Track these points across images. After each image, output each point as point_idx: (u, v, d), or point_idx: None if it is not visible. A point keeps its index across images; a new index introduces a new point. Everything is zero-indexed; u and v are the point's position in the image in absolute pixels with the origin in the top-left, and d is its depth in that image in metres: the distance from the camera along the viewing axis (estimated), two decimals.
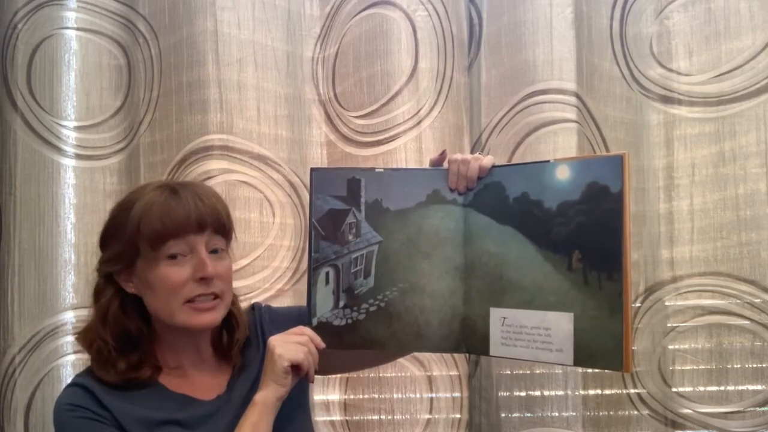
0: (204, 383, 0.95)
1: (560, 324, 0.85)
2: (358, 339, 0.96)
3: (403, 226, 0.95)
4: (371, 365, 1.31)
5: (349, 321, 0.96)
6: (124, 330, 0.90)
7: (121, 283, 0.91)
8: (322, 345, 0.91)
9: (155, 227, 0.86)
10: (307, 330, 0.91)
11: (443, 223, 0.94)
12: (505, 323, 0.89)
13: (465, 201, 0.94)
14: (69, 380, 0.93)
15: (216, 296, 0.90)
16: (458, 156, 0.94)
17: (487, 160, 0.93)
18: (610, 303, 0.83)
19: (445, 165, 0.97)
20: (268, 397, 0.87)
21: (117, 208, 0.93)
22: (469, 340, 0.93)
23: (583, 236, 0.85)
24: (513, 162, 1.46)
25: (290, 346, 0.87)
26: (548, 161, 0.90)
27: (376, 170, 0.97)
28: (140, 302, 0.92)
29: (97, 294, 0.93)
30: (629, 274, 0.83)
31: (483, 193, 0.93)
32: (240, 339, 0.97)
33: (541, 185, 0.88)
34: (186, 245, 0.88)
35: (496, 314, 0.90)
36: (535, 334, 0.87)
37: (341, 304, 0.96)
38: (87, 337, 0.92)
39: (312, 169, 0.98)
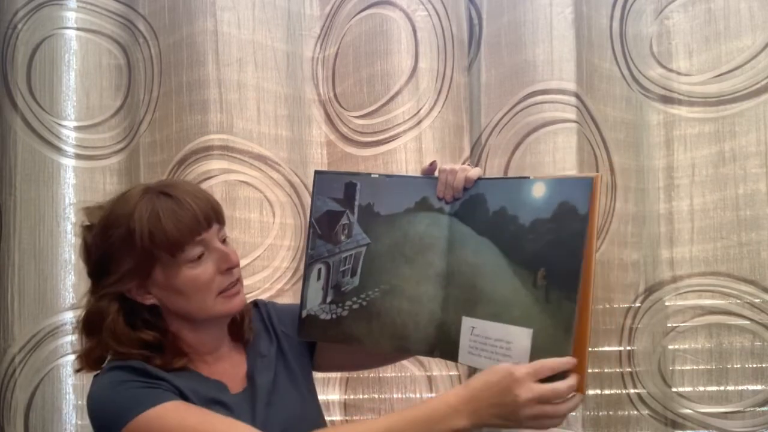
0: (228, 375, 0.96)
1: (520, 339, 0.86)
2: (340, 334, 0.99)
3: (390, 230, 0.97)
4: (376, 365, 1.31)
5: (334, 316, 0.99)
6: (143, 341, 0.90)
7: (136, 298, 0.90)
8: None
9: (172, 235, 0.87)
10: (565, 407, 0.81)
11: (428, 230, 0.95)
12: (473, 332, 0.90)
13: (451, 210, 0.95)
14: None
15: (238, 280, 0.94)
16: (447, 166, 0.96)
17: (474, 172, 0.94)
18: (565, 323, 0.83)
19: (437, 174, 0.98)
20: (464, 416, 0.80)
21: (108, 228, 0.89)
22: (442, 345, 0.94)
23: (550, 255, 0.85)
24: (511, 167, 1.48)
25: (544, 421, 0.80)
26: (528, 177, 0.90)
27: (372, 175, 1.00)
28: (146, 311, 0.92)
29: (102, 316, 0.89)
30: (591, 296, 0.83)
31: (467, 204, 0.94)
32: (247, 312, 1.01)
33: (518, 201, 0.89)
34: (201, 244, 0.90)
35: (467, 323, 0.91)
36: (497, 346, 0.88)
37: (328, 299, 0.99)
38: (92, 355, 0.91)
39: (316, 172, 1.03)
